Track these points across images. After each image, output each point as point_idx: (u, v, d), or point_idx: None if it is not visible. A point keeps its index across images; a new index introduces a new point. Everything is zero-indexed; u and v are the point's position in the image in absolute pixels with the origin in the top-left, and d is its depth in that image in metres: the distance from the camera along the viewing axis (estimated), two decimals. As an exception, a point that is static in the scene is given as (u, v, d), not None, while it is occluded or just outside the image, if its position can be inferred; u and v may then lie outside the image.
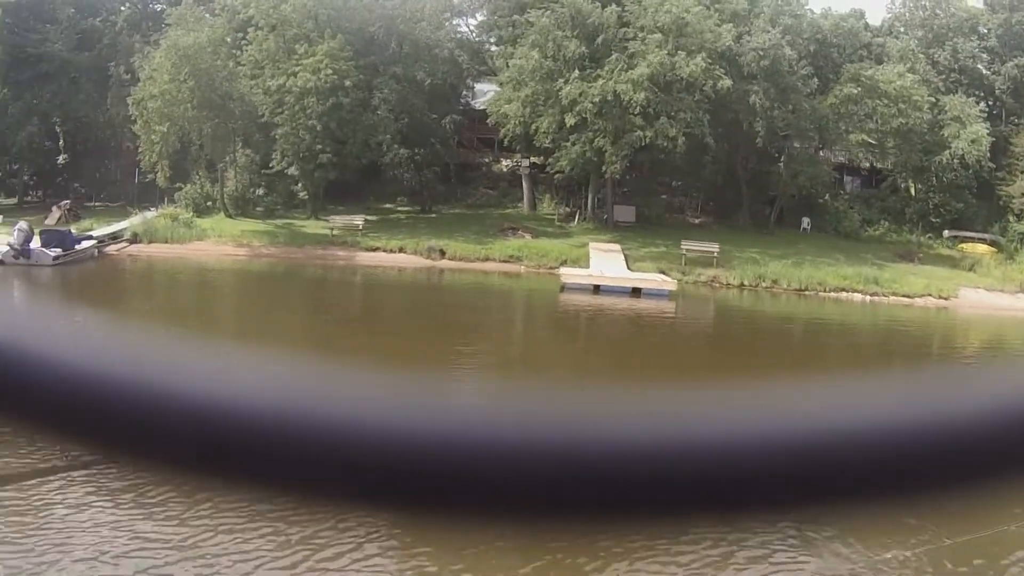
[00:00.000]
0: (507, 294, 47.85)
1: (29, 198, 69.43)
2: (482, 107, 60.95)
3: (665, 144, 52.22)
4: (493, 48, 62.00)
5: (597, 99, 51.47)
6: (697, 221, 61.91)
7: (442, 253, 52.20)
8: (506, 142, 59.81)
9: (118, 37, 65.21)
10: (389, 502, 0.84)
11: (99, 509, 13.57)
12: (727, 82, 51.66)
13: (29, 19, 65.27)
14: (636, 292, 45.06)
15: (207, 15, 59.51)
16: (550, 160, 56.68)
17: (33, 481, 14.48)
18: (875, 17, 65.20)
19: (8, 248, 47.75)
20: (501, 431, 0.82)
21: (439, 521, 0.87)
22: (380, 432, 0.82)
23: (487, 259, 52.28)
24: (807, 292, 50.11)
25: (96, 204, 65.07)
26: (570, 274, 47.23)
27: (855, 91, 55.50)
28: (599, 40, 53.60)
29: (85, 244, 51.28)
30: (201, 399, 0.87)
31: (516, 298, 47.41)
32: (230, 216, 57.75)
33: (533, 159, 60.98)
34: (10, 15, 65.03)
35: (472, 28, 65.45)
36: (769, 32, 55.00)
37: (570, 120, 52.26)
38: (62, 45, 63.96)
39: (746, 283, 51.15)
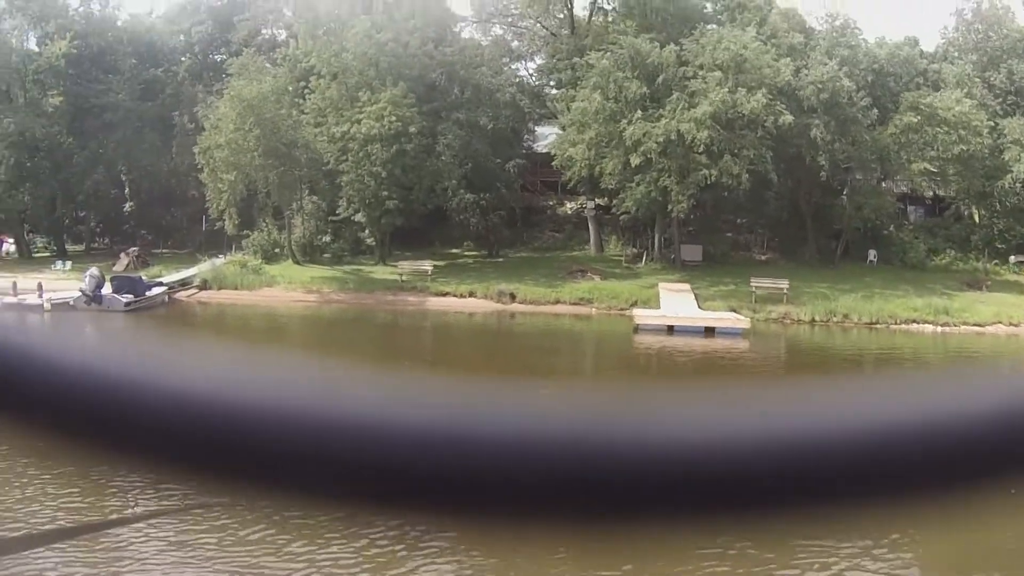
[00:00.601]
0: (581, 336, 47.57)
1: (96, 245, 70.49)
2: (544, 150, 61.05)
3: (729, 182, 51.84)
4: (553, 91, 61.88)
5: (661, 139, 51.34)
6: (763, 257, 61.31)
7: (512, 297, 51.87)
8: (570, 184, 59.61)
9: (180, 87, 66.34)
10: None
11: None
12: (788, 117, 51.32)
13: (92, 70, 66.32)
14: (710, 331, 44.52)
15: (268, 65, 59.91)
16: (615, 201, 56.47)
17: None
18: (929, 43, 64.15)
19: (80, 294, 48.27)
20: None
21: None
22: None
23: (557, 302, 51.88)
24: (878, 325, 49.22)
25: (163, 251, 65.85)
26: (643, 315, 46.70)
27: (915, 119, 54.61)
28: (659, 80, 53.50)
29: (156, 291, 51.66)
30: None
31: (591, 340, 47.09)
32: (298, 263, 58.07)
33: (598, 201, 60.85)
34: (72, 66, 65.99)
35: (531, 72, 65.60)
36: (827, 64, 54.58)
37: (635, 160, 52.07)
38: (125, 95, 64.87)
39: (817, 318, 50.20)
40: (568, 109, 55.45)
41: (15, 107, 65.41)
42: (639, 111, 52.44)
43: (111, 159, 66.00)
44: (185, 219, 67.72)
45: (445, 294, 52.70)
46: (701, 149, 51.46)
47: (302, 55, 58.15)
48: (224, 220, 55.71)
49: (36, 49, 67.88)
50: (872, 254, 59.78)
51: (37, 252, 69.06)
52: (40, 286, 49.76)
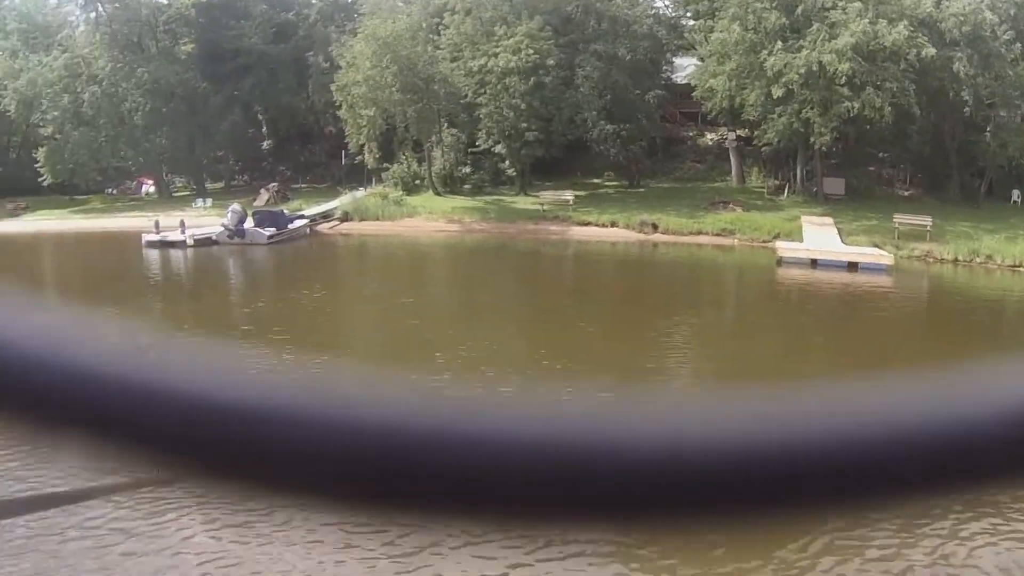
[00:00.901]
0: (724, 268, 46.87)
1: (235, 182, 72.07)
2: (684, 81, 60.03)
3: (872, 115, 50.22)
4: (690, 23, 60.72)
5: (802, 70, 49.85)
6: (906, 193, 59.57)
7: (655, 227, 51.39)
8: (710, 115, 58.64)
9: (313, 29, 66.56)
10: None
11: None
12: (931, 50, 49.40)
13: (222, 17, 67.45)
14: (853, 267, 43.38)
15: (400, 3, 59.86)
16: (757, 132, 55.26)
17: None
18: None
19: (223, 229, 48.83)
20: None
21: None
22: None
23: (700, 232, 51.27)
24: (1021, 268, 47.22)
25: (302, 185, 66.87)
26: (787, 248, 45.79)
27: (1060, 55, 52.24)
28: (799, 10, 51.95)
29: (297, 223, 52.25)
30: None
31: (734, 272, 46.33)
32: (438, 194, 58.54)
33: (739, 132, 59.95)
34: (203, 15, 67.45)
35: (667, 3, 64.33)
36: (968, -4, 52.37)
37: (777, 92, 50.83)
38: (258, 39, 65.79)
39: (960, 258, 48.28)
40: (707, 40, 54.34)
41: (148, 56, 67.07)
42: (779, 42, 51.10)
43: (247, 100, 67.62)
44: (323, 154, 69.02)
45: (587, 223, 52.53)
46: (843, 81, 49.91)
47: (437, -9, 58.04)
48: (364, 154, 56.42)
49: (165, 1, 69.23)
50: (1016, 194, 57.48)
51: (176, 192, 70.76)
52: (182, 223, 50.72)
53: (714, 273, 45.32)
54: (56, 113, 66.15)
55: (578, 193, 56.48)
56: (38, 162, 67.52)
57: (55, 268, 48.69)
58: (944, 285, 43.88)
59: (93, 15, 68.42)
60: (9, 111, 68.86)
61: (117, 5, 66.48)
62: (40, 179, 67.71)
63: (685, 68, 61.86)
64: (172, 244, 48.38)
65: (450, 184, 59.44)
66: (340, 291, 37.35)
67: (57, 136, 66.99)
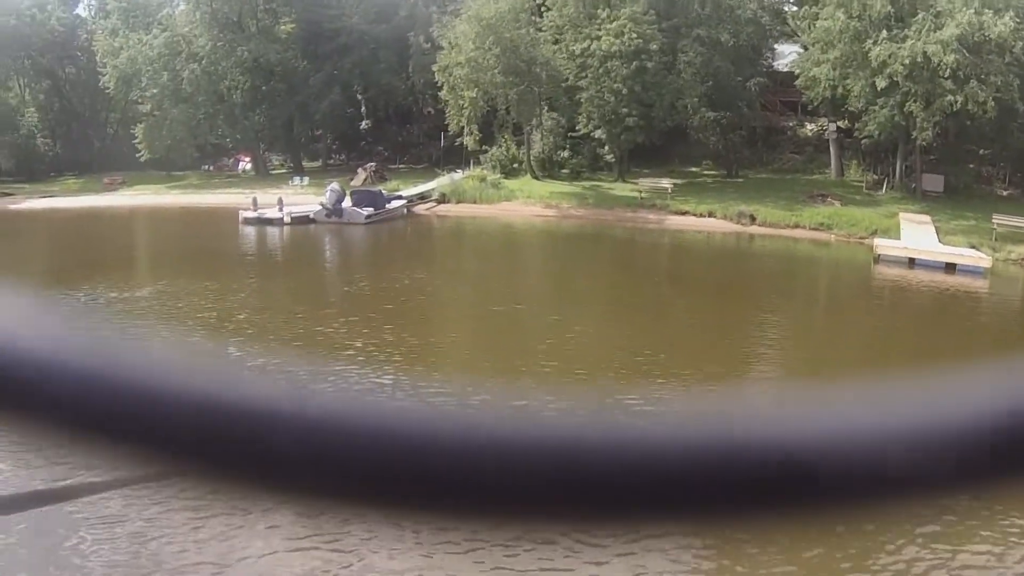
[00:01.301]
0: (821, 263, 46.16)
1: (332, 161, 72.94)
2: (785, 69, 59.12)
3: (975, 109, 48.94)
4: (792, 8, 59.84)
5: (907, 61, 48.71)
6: (1005, 193, 58.11)
7: (752, 218, 50.78)
8: (811, 106, 57.62)
9: (415, 9, 66.77)
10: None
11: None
12: None
13: (322, -3, 67.63)
14: (951, 267, 42.22)
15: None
16: (857, 125, 54.29)
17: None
18: None
19: (320, 207, 49.28)
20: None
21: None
22: None
23: (797, 226, 50.44)
24: (1125, 274, 45.91)
25: (400, 166, 67.42)
26: (885, 246, 44.81)
27: None
28: (903, -1, 50.78)
29: (395, 204, 52.54)
30: None
31: (831, 268, 45.61)
32: (536, 178, 58.46)
33: (839, 123, 58.89)
34: (303, -7, 67.59)
35: (771, -12, 63.46)
36: (1076, -13, 50.87)
37: (881, 83, 49.75)
38: (359, 19, 66.35)
39: (1058, 263, 47.14)
40: (811, 27, 53.46)
41: (247, 35, 67.73)
42: (884, 31, 50.14)
43: (346, 80, 68.14)
44: (421, 135, 69.49)
45: (684, 213, 52.05)
46: (947, 74, 48.77)
47: (539, -28, 57.70)
48: (464, 136, 56.40)
49: (265, -21, 69.97)
50: (1120, 197, 56.04)
51: (273, 169, 71.70)
52: (280, 200, 51.38)
53: (810, 268, 44.63)
54: (155, 90, 67.19)
55: (676, 181, 56.03)
56: (136, 138, 68.78)
57: (149, 244, 49.43)
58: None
59: (194, -6, 69.35)
60: (108, 88, 70.33)
61: (218, -17, 67.23)
62: (138, 155, 68.99)
63: (786, 56, 60.85)
64: (270, 221, 48.95)
65: (548, 168, 59.27)
66: (437, 274, 37.34)
67: (156, 113, 68.08)
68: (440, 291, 33.47)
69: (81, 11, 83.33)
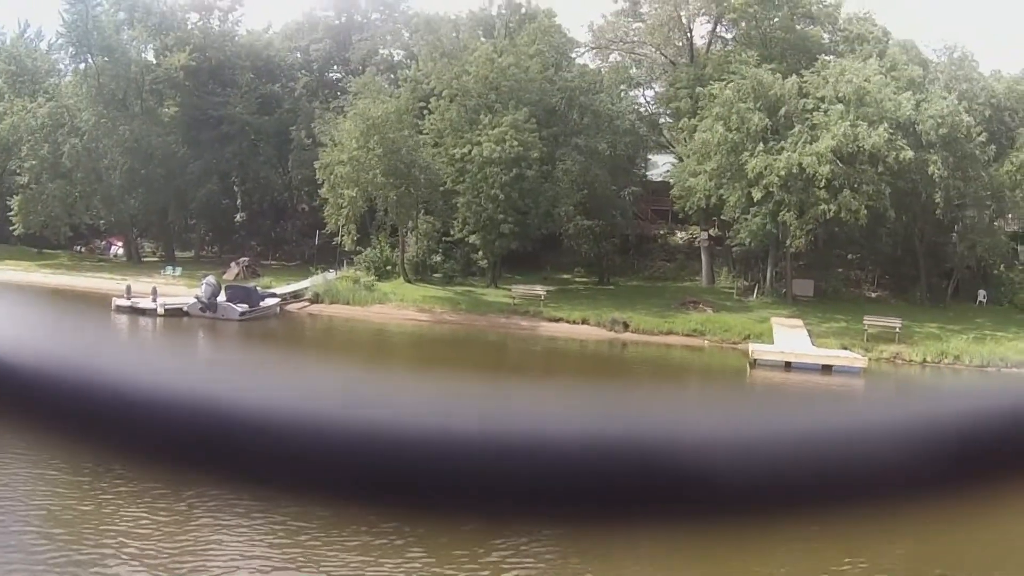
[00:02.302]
0: (696, 369, 45.88)
1: (205, 252, 70.51)
2: (659, 179, 59.50)
3: (848, 218, 49.75)
4: (668, 120, 60.50)
5: (783, 172, 49.39)
6: (874, 295, 59.36)
7: (626, 325, 50.49)
8: (682, 214, 58.11)
9: (298, 103, 65.92)
10: None
11: None
12: (909, 153, 49.34)
13: (209, 83, 66.80)
14: (827, 369, 42.76)
15: (385, 84, 59.18)
16: (729, 233, 54.66)
17: None
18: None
19: (195, 301, 47.65)
20: None
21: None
22: None
23: (670, 332, 50.35)
24: (988, 368, 46.75)
25: (272, 262, 65.48)
26: (761, 350, 45.08)
27: (1032, 156, 52.17)
28: (781, 112, 51.82)
29: (269, 302, 50.96)
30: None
31: (706, 374, 45.19)
32: (409, 281, 57.46)
33: (711, 232, 59.09)
34: (190, 78, 66.42)
35: (648, 100, 64.25)
36: (946, 98, 52.16)
37: (757, 194, 50.53)
38: (243, 108, 65.10)
39: (928, 359, 47.93)
40: (688, 139, 53.97)
41: (131, 115, 65.62)
42: (761, 143, 50.74)
43: (225, 170, 66.39)
44: (295, 232, 67.88)
45: (558, 319, 51.54)
46: (822, 183, 49.55)
47: (422, 76, 57.56)
48: (341, 235, 55.26)
49: (154, 60, 68.18)
50: (982, 294, 57.28)
51: (146, 256, 69.26)
52: (155, 291, 49.33)
53: (684, 374, 44.24)
54: (35, 162, 64.14)
55: (548, 288, 55.59)
56: (11, 210, 65.77)
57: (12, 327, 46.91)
58: (915, 387, 42.92)
59: (82, 66, 67.19)
60: (-12, 155, 67.49)
61: (107, 59, 65.25)
62: (12, 228, 65.97)
63: (659, 166, 61.60)
64: (143, 311, 46.97)
65: (421, 272, 58.48)
66: (305, 373, 35.79)
67: (33, 186, 65.04)
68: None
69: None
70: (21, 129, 64.19)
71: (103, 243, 72.02)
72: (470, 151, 53.47)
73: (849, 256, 60.72)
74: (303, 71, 70.78)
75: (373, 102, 54.23)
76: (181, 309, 47.77)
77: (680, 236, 64.58)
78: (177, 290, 52.67)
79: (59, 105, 65.00)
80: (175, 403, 1.14)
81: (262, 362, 1.60)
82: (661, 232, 65.52)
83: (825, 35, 60.65)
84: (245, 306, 48.27)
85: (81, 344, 1.46)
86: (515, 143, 52.48)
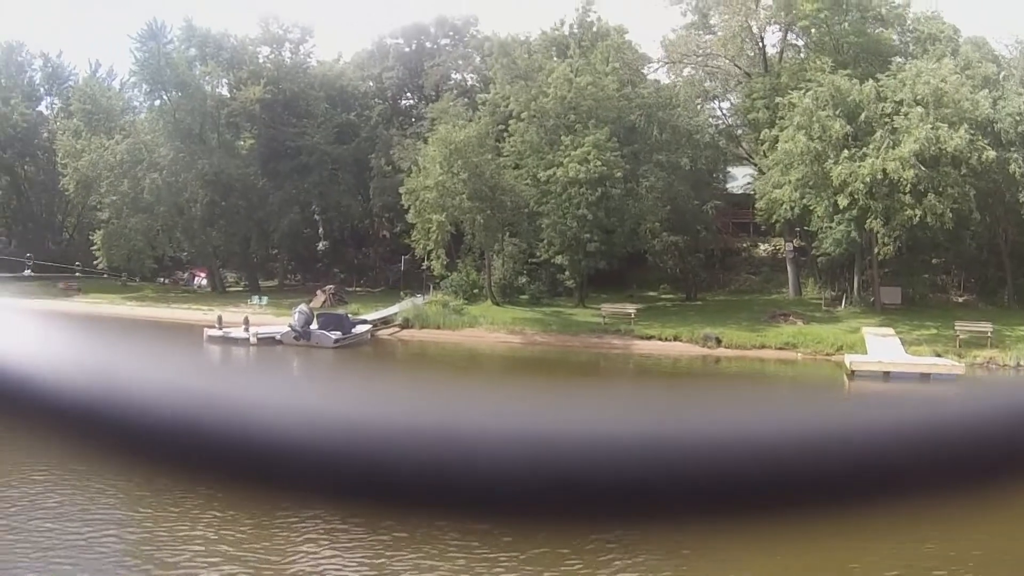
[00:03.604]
0: (794, 382, 44.26)
1: (288, 281, 70.28)
2: (739, 191, 58.40)
3: (933, 222, 48.27)
4: (745, 131, 59.43)
5: (867, 179, 47.98)
6: (960, 299, 57.75)
7: (718, 341, 49.41)
8: (764, 226, 56.90)
9: (375, 131, 65.56)
10: None
11: None
12: (991, 153, 48.03)
13: (284, 114, 66.58)
14: (925, 377, 41.17)
15: (461, 109, 58.72)
16: (814, 243, 53.44)
17: None
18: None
19: (289, 329, 47.19)
20: None
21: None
22: None
23: (762, 346, 49.32)
24: (1085, 369, 45.37)
25: (356, 289, 65.04)
26: (859, 361, 43.79)
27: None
28: (861, 118, 50.38)
29: (361, 328, 50.35)
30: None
31: (809, 387, 43.67)
32: (496, 303, 56.70)
33: (795, 242, 57.83)
34: (266, 110, 66.13)
35: (723, 112, 63.14)
36: (1022, 95, 50.65)
37: (843, 202, 49.13)
38: (320, 138, 64.54)
39: (1023, 363, 46.27)
40: (770, 150, 52.76)
41: (209, 148, 65.83)
42: (844, 151, 49.40)
43: (306, 200, 66.17)
44: (377, 259, 67.59)
45: (650, 337, 50.63)
46: (907, 188, 48.15)
47: (500, 99, 56.86)
48: (431, 260, 54.66)
49: (228, 94, 68.28)
50: (1066, 295, 55.47)
51: (229, 286, 69.23)
52: (247, 320, 49.04)
53: (784, 388, 43.09)
54: (115, 197, 64.67)
55: (637, 306, 54.73)
56: (93, 244, 66.02)
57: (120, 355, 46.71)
58: (1016, 393, 41.62)
59: (157, 103, 67.56)
60: (68, 190, 67.94)
61: (181, 94, 65.46)
62: (95, 262, 66.23)
63: (739, 178, 60.39)
64: (235, 341, 46.63)
65: (508, 294, 57.75)
66: (424, 394, 35.19)
67: (115, 220, 65.26)
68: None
69: (44, 108, 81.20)
70: (100, 166, 64.54)
71: (186, 274, 72.33)
72: (554, 172, 52.69)
73: (934, 261, 59.02)
74: (377, 99, 70.94)
75: (454, 127, 53.67)
76: (274, 338, 47.36)
77: (763, 248, 63.50)
78: (265, 319, 52.33)
79: (137, 141, 65.29)
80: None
81: (376, 386, 1.55)
82: (744, 245, 64.48)
83: (895, 37, 59.11)
84: (338, 333, 47.76)
85: (183, 373, 1.44)
86: (598, 162, 51.57)
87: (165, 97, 66.69)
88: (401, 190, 55.38)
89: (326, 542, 14.34)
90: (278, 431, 1.16)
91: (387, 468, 1.13)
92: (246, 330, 47.51)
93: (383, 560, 14.15)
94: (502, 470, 1.12)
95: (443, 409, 1.27)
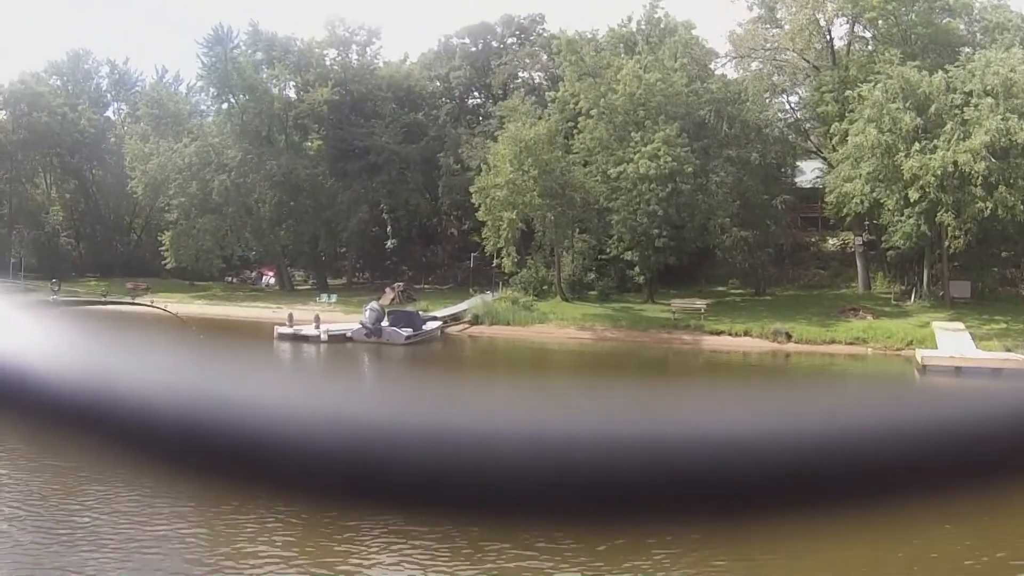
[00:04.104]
0: (865, 378, 43.59)
1: (356, 279, 70.86)
2: (807, 185, 57.88)
3: (1004, 214, 47.56)
4: (814, 125, 58.91)
5: (939, 171, 47.38)
6: (1031, 293, 56.55)
7: (788, 336, 49.00)
8: (832, 220, 56.40)
9: (443, 130, 65.92)
10: None
11: None
12: None
13: (351, 115, 67.13)
14: (997, 372, 40.32)
15: (529, 107, 58.90)
16: (883, 237, 52.94)
17: None
18: None
19: (360, 326, 47.23)
20: None
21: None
22: None
23: (832, 341, 48.80)
24: None
25: (424, 286, 65.42)
26: (931, 356, 42.97)
27: None
28: (931, 109, 49.69)
29: (431, 325, 50.47)
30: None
31: (879, 383, 43.01)
32: (566, 299, 56.74)
33: (864, 236, 57.34)
34: (333, 111, 66.75)
35: (791, 106, 62.66)
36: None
37: (913, 195, 48.56)
38: (388, 138, 65.06)
39: (1095, 358, 45.48)
40: (840, 144, 52.37)
41: (277, 150, 66.65)
42: (916, 144, 48.88)
43: (374, 199, 66.71)
44: (445, 256, 67.95)
45: (719, 333, 50.37)
46: (978, 181, 47.52)
47: (569, 96, 56.75)
48: (502, 257, 54.94)
49: (295, 96, 69.02)
50: None
51: (297, 285, 69.98)
52: (317, 318, 49.15)
53: (857, 384, 42.58)
54: (183, 199, 65.76)
55: (706, 301, 54.49)
56: (162, 245, 67.25)
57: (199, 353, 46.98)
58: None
59: (225, 106, 68.54)
60: (136, 193, 69.16)
61: (248, 97, 66.32)
62: (164, 262, 67.46)
63: (806, 172, 59.91)
64: (306, 338, 46.63)
65: (577, 290, 57.76)
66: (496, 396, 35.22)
67: (183, 222, 66.32)
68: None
69: (111, 114, 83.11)
70: (168, 168, 65.73)
71: (254, 273, 73.27)
72: (624, 169, 52.60)
73: (1003, 254, 58.12)
74: (444, 98, 71.36)
75: (523, 124, 53.82)
76: (345, 335, 47.42)
77: (831, 242, 62.94)
78: (334, 316, 52.52)
79: (205, 144, 66.41)
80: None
81: (456, 383, 1.53)
82: (812, 239, 63.94)
83: (962, 26, 58.38)
84: (409, 330, 47.59)
85: (261, 371, 1.43)
86: (669, 158, 51.47)
87: (232, 100, 67.75)
88: (471, 188, 55.66)
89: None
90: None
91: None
92: (317, 327, 47.53)
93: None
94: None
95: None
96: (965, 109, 49.08)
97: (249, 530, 13.76)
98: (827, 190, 54.37)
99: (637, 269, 55.46)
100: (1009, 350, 45.01)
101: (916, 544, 12.70)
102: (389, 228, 68.26)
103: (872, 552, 12.32)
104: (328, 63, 70.12)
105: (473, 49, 71.84)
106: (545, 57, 67.69)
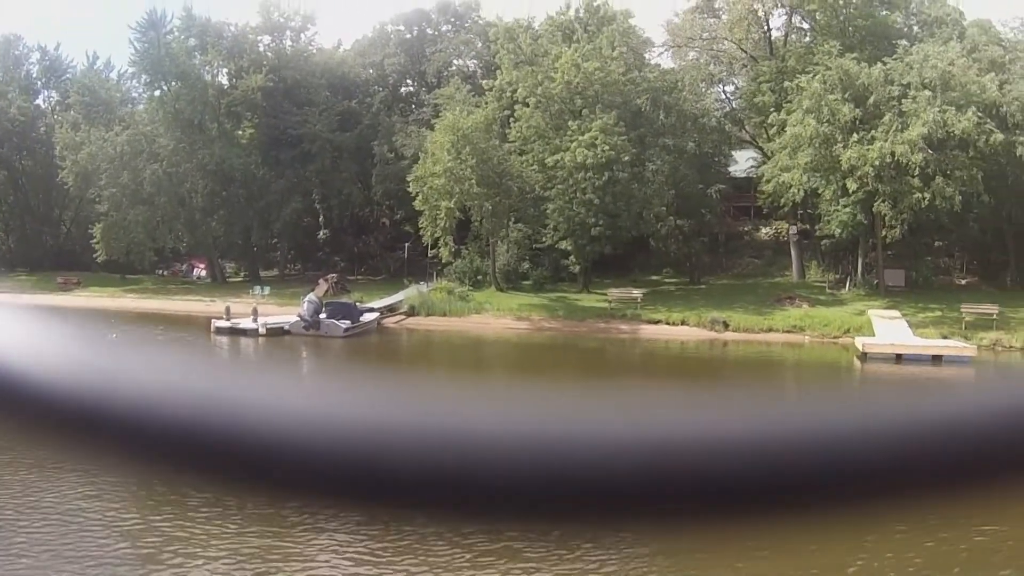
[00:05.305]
0: (806, 366, 43.70)
1: (288, 271, 69.20)
2: (741, 175, 57.55)
3: (942, 205, 47.47)
4: (750, 115, 58.57)
5: (877, 162, 47.22)
6: (963, 281, 57.19)
7: (726, 325, 48.59)
8: (765, 209, 56.23)
9: (377, 118, 64.43)
10: None
11: None
12: (999, 136, 47.35)
13: (284, 102, 65.28)
14: (937, 359, 40.66)
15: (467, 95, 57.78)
16: (817, 226, 52.85)
17: None
18: None
19: (298, 319, 45.93)
20: None
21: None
22: None
23: (769, 330, 48.46)
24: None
25: (357, 277, 64.05)
26: (871, 344, 42.85)
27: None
28: (870, 101, 49.58)
29: (369, 316, 49.27)
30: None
31: (822, 371, 43.05)
32: (501, 290, 55.87)
33: (799, 225, 57.09)
34: (267, 99, 64.96)
35: (728, 96, 62.22)
36: (1029, 78, 49.87)
37: (852, 185, 48.59)
38: (322, 126, 63.40)
39: (1029, 345, 45.56)
40: (777, 134, 52.00)
41: (209, 138, 64.58)
42: (854, 134, 48.66)
43: (307, 188, 65.06)
44: (378, 246, 66.47)
45: (657, 322, 49.74)
46: (915, 172, 47.41)
47: (506, 85, 55.77)
48: (438, 247, 53.92)
49: (228, 83, 67.15)
50: (1069, 278, 54.73)
51: (229, 277, 68.15)
52: (255, 311, 47.62)
53: (798, 372, 42.09)
54: (115, 189, 63.37)
55: (642, 290, 53.95)
56: (93, 238, 64.94)
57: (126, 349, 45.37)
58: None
59: (157, 93, 66.30)
60: (67, 183, 66.79)
61: (181, 84, 64.26)
62: (94, 255, 65.20)
63: (739, 162, 59.90)
64: (244, 332, 45.14)
65: (512, 280, 56.93)
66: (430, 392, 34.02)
67: (114, 213, 64.03)
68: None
69: (41, 102, 79.92)
70: (99, 158, 63.52)
71: (185, 266, 71.23)
72: (561, 158, 51.74)
73: (937, 243, 58.34)
74: (378, 86, 69.70)
75: (460, 113, 52.72)
76: (283, 328, 45.99)
77: (765, 232, 62.80)
78: (269, 309, 50.90)
79: (136, 132, 64.29)
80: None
81: (404, 379, 1.44)
82: (746, 228, 63.81)
83: (900, 19, 58.35)
84: (348, 322, 46.35)
85: (200, 367, 1.34)
86: (606, 147, 50.64)
87: (165, 87, 65.40)
88: (408, 177, 54.36)
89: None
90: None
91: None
92: (254, 320, 46.04)
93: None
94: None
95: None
96: (903, 101, 49.05)
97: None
98: (763, 179, 53.94)
99: (572, 259, 54.71)
100: (946, 337, 45.13)
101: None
102: (322, 218, 66.47)
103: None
104: (262, 49, 68.01)
105: (408, 36, 70.34)
106: (480, 44, 66.75)
